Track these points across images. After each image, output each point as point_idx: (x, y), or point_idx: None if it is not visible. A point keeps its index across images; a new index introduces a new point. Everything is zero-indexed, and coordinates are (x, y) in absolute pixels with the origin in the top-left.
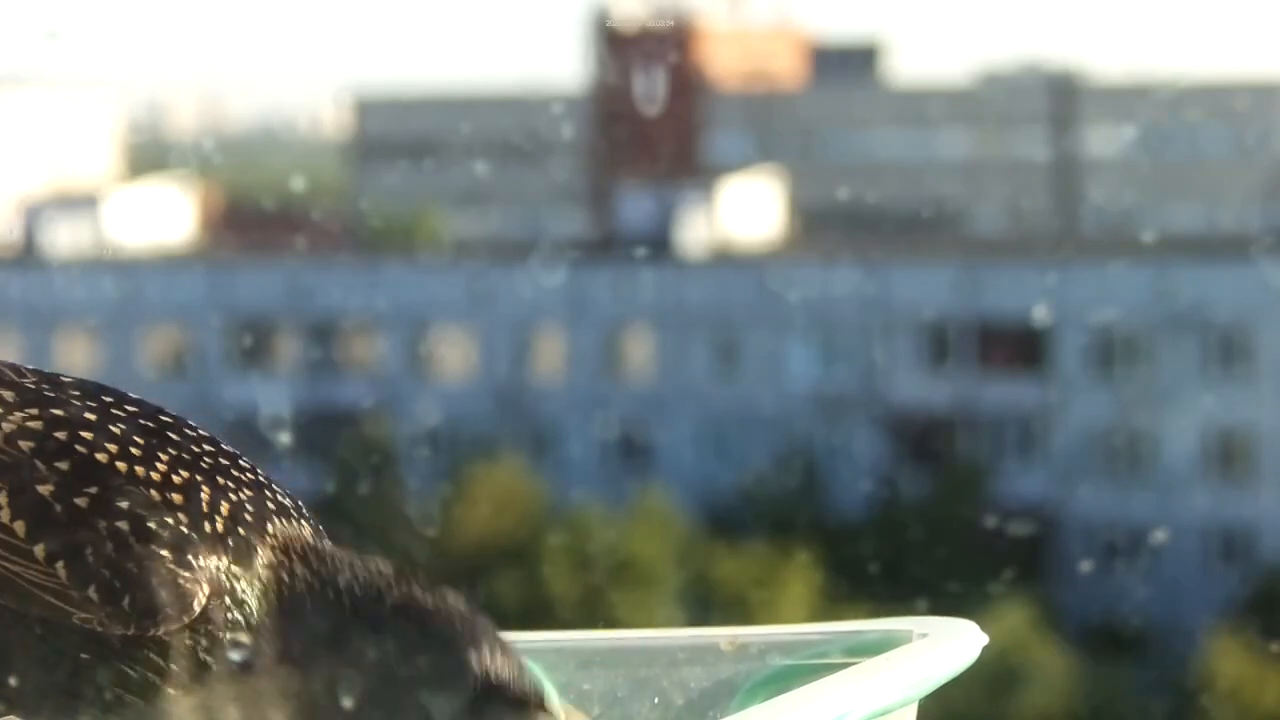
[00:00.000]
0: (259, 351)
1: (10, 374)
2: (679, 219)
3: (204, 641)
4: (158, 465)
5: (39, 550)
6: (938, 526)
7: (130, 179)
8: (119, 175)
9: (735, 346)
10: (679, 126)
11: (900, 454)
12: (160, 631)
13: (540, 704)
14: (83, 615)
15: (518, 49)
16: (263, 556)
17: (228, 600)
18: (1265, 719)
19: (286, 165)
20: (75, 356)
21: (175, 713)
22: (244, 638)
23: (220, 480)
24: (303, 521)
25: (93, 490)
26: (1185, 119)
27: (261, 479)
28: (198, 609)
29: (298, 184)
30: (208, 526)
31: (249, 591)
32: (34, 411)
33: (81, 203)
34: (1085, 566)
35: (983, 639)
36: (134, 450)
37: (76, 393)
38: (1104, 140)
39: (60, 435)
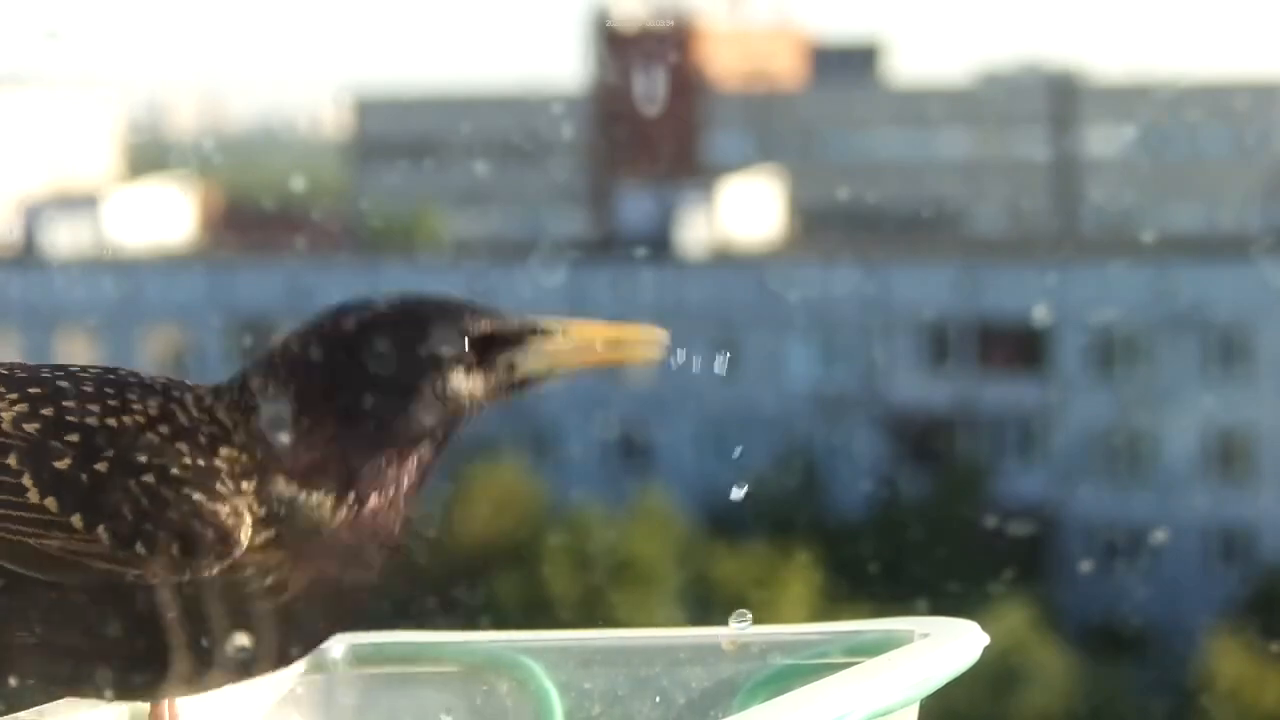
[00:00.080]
0: (259, 352)
1: None
2: (679, 219)
3: (252, 570)
4: (134, 407)
5: (76, 520)
6: (938, 526)
7: (130, 179)
8: (119, 175)
9: (735, 346)
10: (679, 126)
11: (900, 454)
12: (216, 570)
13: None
14: (135, 572)
15: (518, 49)
16: (241, 434)
17: (258, 506)
18: (1265, 719)
19: (286, 165)
20: (75, 357)
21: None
22: (284, 489)
23: (174, 394)
24: (228, 387)
25: (110, 453)
26: (1185, 119)
27: (169, 379)
28: (244, 539)
29: (298, 184)
30: (202, 438)
31: (264, 475)
32: (19, 395)
33: (81, 203)
34: (1085, 566)
35: (984, 639)
36: (112, 403)
37: (37, 373)
38: (1104, 140)
39: (48, 411)
